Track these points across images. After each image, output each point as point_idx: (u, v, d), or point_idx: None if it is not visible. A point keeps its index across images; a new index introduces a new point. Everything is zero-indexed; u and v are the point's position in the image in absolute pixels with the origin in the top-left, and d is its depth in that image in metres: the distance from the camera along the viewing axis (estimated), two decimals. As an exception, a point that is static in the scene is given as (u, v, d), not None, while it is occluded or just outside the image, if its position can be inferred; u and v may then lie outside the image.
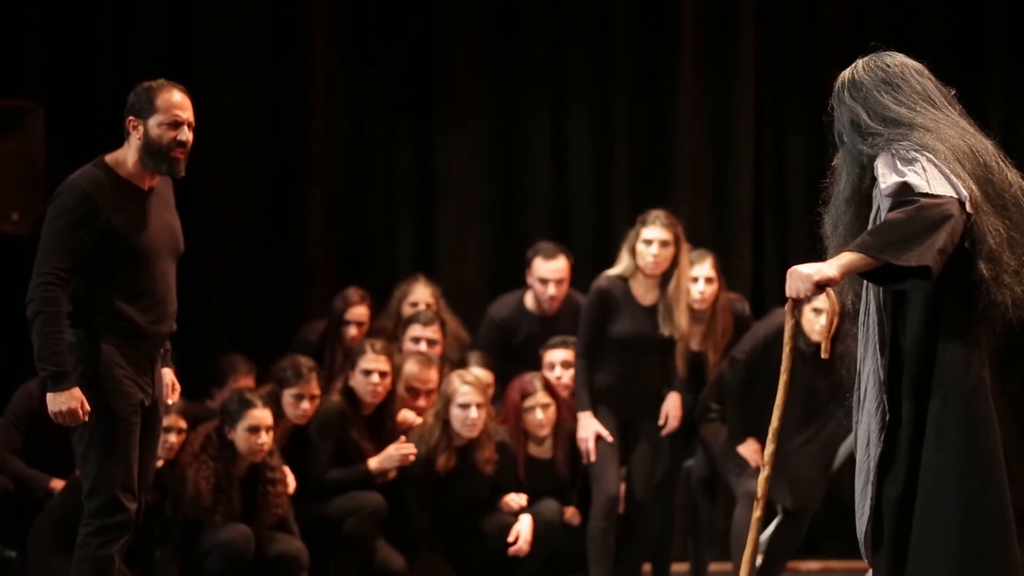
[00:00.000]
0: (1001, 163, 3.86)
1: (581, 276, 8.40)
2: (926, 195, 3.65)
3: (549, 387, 7.03)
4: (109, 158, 5.32)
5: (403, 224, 8.85)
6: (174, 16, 8.49)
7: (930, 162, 3.71)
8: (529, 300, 7.55)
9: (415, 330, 7.34)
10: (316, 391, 6.71)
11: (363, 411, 6.93)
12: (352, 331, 7.62)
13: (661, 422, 7.00)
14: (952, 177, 3.70)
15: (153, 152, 5.25)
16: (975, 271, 3.72)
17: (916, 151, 3.74)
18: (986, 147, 3.86)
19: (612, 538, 6.85)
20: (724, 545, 7.45)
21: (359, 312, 7.64)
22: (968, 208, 3.68)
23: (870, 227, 3.77)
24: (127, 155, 5.30)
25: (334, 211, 8.83)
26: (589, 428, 6.83)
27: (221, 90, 8.50)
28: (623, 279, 6.88)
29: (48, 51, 8.25)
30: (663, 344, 6.94)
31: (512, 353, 7.54)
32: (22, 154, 7.61)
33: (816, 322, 6.80)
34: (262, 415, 6.37)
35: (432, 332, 7.31)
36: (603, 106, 8.94)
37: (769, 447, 3.74)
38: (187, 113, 5.31)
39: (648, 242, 6.79)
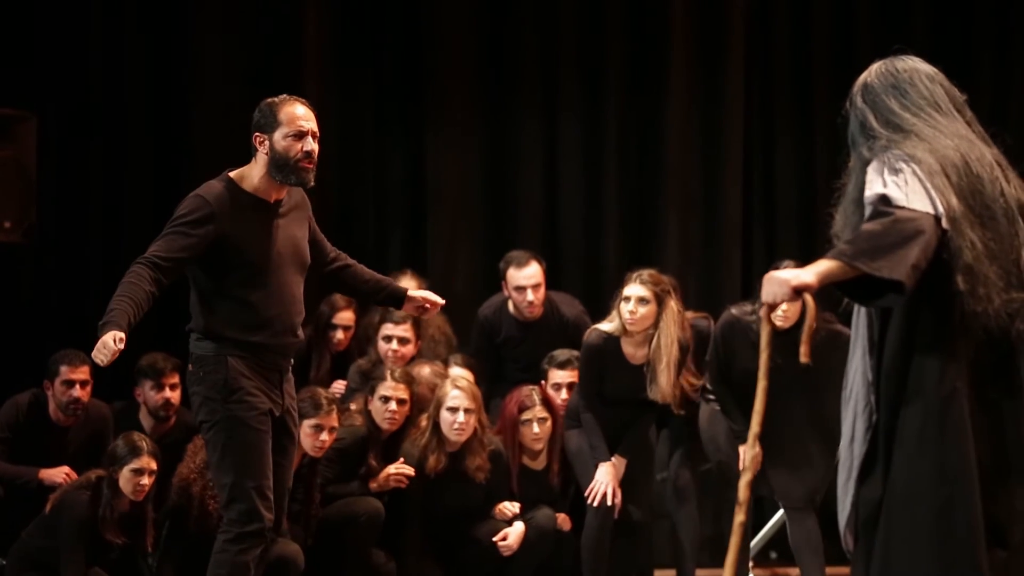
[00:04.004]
0: (998, 173, 3.87)
1: (572, 285, 8.43)
2: (902, 208, 3.68)
3: (547, 401, 7.04)
4: (234, 174, 5.39)
5: (394, 233, 8.86)
6: (165, 29, 8.50)
7: (914, 175, 3.74)
8: (511, 306, 7.59)
9: (387, 328, 7.39)
10: (335, 423, 6.61)
11: (381, 435, 6.91)
12: (339, 335, 7.67)
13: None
14: (932, 191, 3.73)
15: (281, 164, 5.33)
16: (952, 283, 3.74)
17: (904, 161, 3.76)
18: (982, 156, 3.87)
19: (607, 546, 6.84)
20: (712, 552, 7.46)
21: (345, 316, 7.70)
22: (944, 224, 3.72)
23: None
24: (253, 171, 5.38)
25: (326, 221, 8.80)
26: (608, 477, 6.80)
27: (212, 102, 8.52)
28: (615, 337, 6.83)
29: (40, 61, 8.26)
30: (648, 403, 6.92)
31: (494, 351, 7.66)
32: (14, 163, 7.63)
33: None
34: None
35: (404, 331, 7.33)
36: (593, 118, 8.95)
37: (750, 452, 3.75)
38: (311, 124, 5.42)
39: (627, 299, 6.77)
